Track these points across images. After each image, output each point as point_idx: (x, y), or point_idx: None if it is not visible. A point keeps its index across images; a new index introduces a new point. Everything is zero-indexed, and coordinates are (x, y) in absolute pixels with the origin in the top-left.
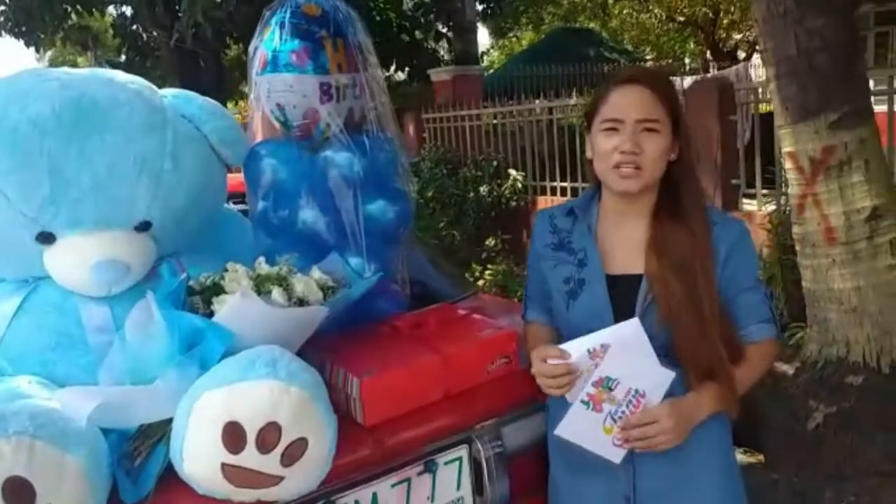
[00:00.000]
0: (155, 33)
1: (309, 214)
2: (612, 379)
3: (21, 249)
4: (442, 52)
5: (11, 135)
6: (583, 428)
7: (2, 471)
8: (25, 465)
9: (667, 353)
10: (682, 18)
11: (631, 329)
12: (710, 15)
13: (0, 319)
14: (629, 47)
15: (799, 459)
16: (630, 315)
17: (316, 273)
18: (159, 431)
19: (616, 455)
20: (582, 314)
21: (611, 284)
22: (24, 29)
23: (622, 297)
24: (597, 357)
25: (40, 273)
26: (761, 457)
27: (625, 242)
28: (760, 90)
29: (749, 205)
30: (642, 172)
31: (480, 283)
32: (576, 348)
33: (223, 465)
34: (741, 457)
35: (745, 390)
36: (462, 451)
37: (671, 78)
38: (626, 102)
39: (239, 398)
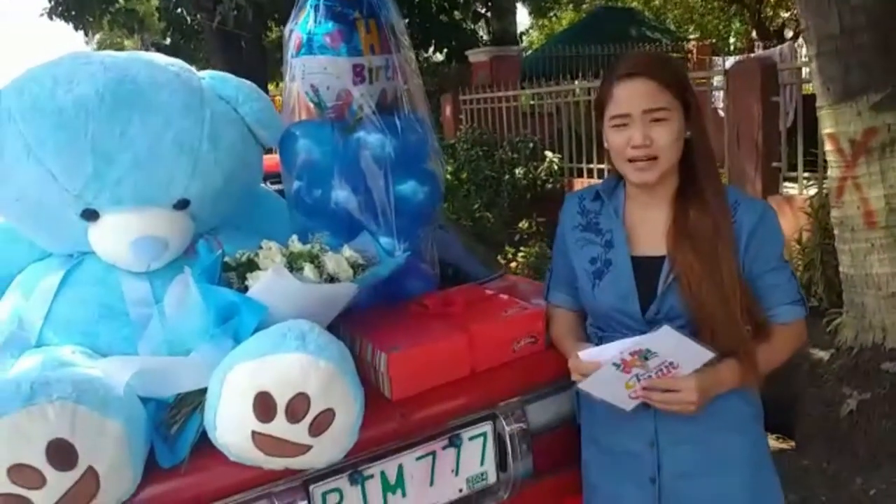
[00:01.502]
0: (198, 16)
1: (341, 194)
2: (651, 352)
3: (67, 225)
4: (481, 33)
5: (58, 116)
6: (604, 382)
7: (46, 433)
8: (69, 428)
9: (691, 332)
10: None
11: (664, 335)
12: None
13: (47, 292)
14: (672, 27)
15: (831, 446)
16: (653, 294)
17: (347, 251)
18: (195, 401)
19: (628, 405)
20: (607, 294)
21: (635, 266)
22: (73, 13)
23: (646, 278)
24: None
25: (85, 248)
26: (793, 442)
27: (649, 225)
28: (805, 70)
29: (790, 188)
30: (657, 162)
31: (513, 265)
32: (612, 351)
33: (254, 433)
34: (773, 442)
35: (771, 369)
36: (486, 427)
37: (716, 58)
38: (630, 96)
39: (270, 370)
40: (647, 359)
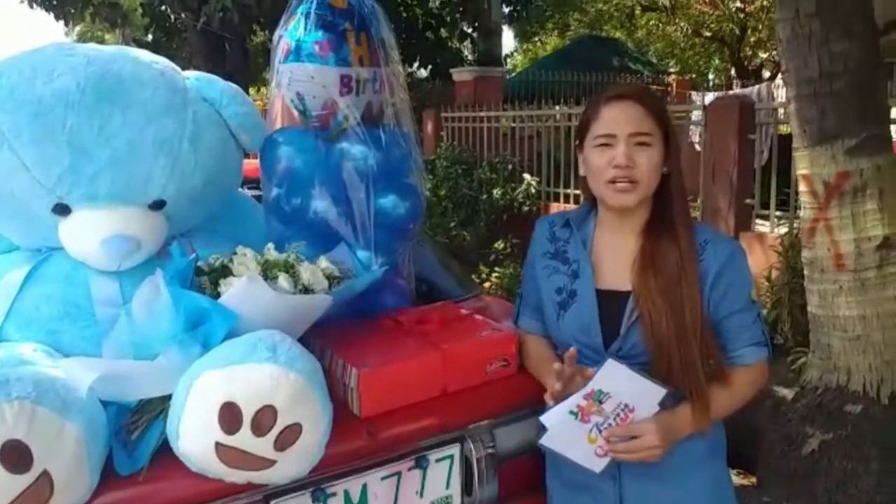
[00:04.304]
0: (183, 15)
1: (321, 204)
2: (603, 392)
3: (36, 219)
4: (466, 53)
5: (35, 106)
6: (567, 437)
7: (1, 434)
8: (25, 429)
9: (651, 370)
10: (708, 33)
11: (611, 368)
12: (737, 32)
13: (11, 287)
14: (654, 59)
15: (792, 484)
16: (617, 329)
17: (323, 262)
18: (158, 407)
19: (597, 465)
20: (571, 326)
21: (601, 299)
22: (54, 2)
23: (610, 313)
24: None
25: (54, 244)
26: (754, 479)
27: (617, 258)
28: (782, 111)
29: (762, 226)
30: (638, 186)
31: (487, 285)
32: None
33: (217, 444)
34: (734, 478)
35: (728, 413)
36: (454, 450)
37: (694, 93)
38: (617, 118)
39: (238, 379)
40: (601, 402)
